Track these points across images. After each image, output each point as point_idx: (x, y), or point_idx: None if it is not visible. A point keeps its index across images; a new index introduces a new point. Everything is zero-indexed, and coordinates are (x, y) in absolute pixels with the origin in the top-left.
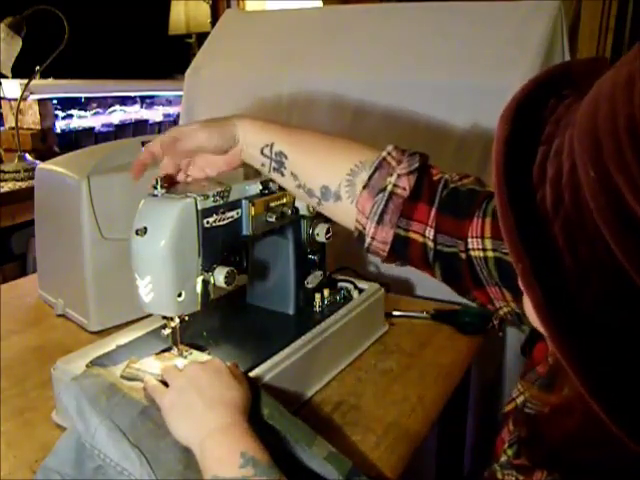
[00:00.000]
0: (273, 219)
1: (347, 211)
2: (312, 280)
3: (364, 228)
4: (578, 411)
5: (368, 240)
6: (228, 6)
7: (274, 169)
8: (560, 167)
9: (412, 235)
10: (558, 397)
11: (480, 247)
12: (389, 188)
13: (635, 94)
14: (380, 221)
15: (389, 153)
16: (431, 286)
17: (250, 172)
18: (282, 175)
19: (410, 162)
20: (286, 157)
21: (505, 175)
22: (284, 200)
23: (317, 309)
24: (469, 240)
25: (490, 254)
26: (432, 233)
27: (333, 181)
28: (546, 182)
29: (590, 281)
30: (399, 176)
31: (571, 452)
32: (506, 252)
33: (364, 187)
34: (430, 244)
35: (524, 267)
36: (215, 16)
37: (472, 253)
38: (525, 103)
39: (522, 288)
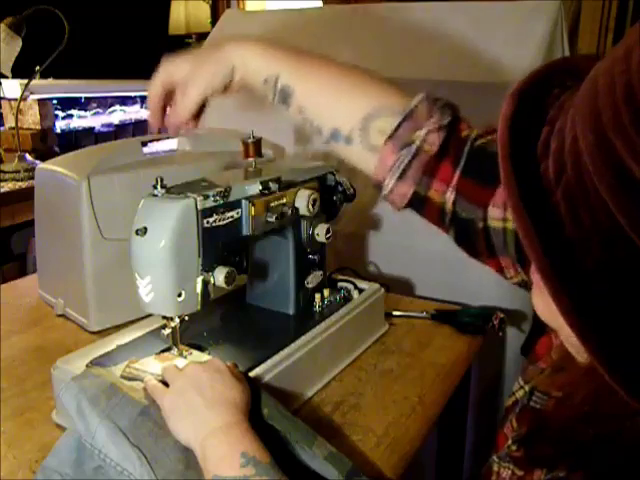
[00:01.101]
0: (273, 219)
1: (358, 155)
2: (312, 280)
3: (383, 180)
4: (586, 387)
5: (385, 192)
6: (228, 6)
7: (279, 101)
8: (562, 141)
9: (432, 194)
10: (564, 382)
11: (501, 217)
12: (417, 143)
13: (632, 64)
14: (401, 177)
15: (420, 103)
16: (431, 286)
17: (250, 172)
18: (287, 108)
19: (441, 116)
20: (292, 92)
21: (510, 146)
22: (284, 200)
23: (317, 309)
24: (490, 208)
25: (510, 225)
26: (452, 196)
27: (345, 124)
28: (549, 155)
29: (591, 246)
30: (429, 132)
31: (580, 430)
32: None
33: (389, 137)
34: (449, 206)
35: (527, 231)
36: (215, 16)
37: (490, 223)
38: (531, 87)
39: (527, 253)
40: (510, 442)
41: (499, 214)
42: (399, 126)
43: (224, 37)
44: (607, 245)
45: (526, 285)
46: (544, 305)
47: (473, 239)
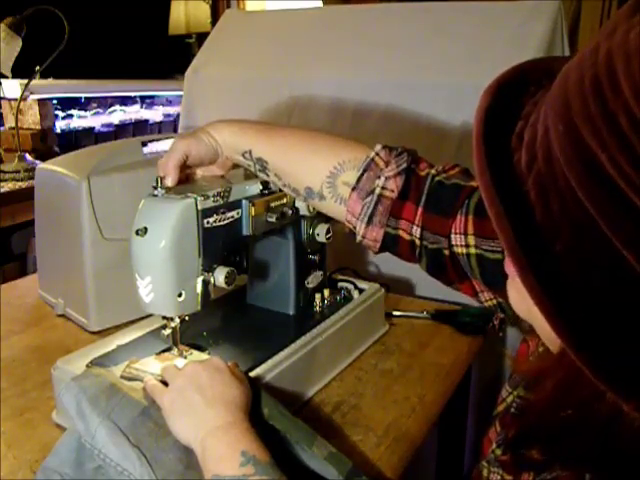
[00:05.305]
0: (273, 219)
1: (333, 209)
2: (312, 280)
3: (354, 227)
4: (557, 373)
5: (359, 238)
6: (228, 6)
7: (259, 171)
8: (535, 133)
9: (400, 233)
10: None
11: (463, 243)
12: (377, 191)
13: (599, 58)
14: (370, 222)
15: (377, 154)
16: (431, 286)
17: (250, 172)
18: (267, 176)
19: (398, 162)
20: (266, 162)
21: (484, 137)
22: (284, 200)
23: (317, 309)
24: (452, 236)
25: (472, 250)
26: (418, 231)
27: (314, 183)
28: (522, 147)
29: (561, 231)
30: (387, 178)
31: (551, 417)
32: (487, 249)
33: (353, 189)
34: (417, 241)
35: (498, 217)
36: (215, 16)
37: (455, 249)
38: (508, 84)
39: (497, 233)
40: (494, 446)
41: (461, 241)
42: (360, 177)
43: (203, 126)
44: (576, 230)
45: (502, 308)
46: (517, 294)
47: (443, 267)
